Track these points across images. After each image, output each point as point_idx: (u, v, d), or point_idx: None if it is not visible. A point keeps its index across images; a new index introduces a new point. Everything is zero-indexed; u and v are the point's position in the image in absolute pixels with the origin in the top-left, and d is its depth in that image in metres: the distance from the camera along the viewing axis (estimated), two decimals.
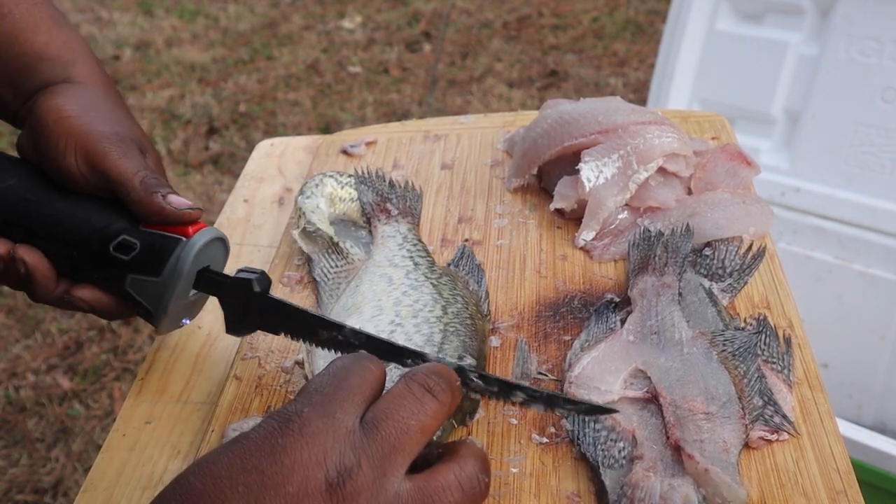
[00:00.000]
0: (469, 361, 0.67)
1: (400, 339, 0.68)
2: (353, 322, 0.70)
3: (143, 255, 0.68)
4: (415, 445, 0.51)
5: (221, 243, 0.72)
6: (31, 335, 2.28)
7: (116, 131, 0.71)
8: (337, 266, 0.82)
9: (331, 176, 0.91)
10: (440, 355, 0.66)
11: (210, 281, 0.69)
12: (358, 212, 0.89)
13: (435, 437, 0.57)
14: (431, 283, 0.76)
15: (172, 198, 0.69)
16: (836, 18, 1.57)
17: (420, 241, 0.84)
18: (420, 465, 0.52)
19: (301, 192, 0.88)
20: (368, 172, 0.92)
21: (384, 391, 0.54)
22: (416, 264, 0.79)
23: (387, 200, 0.89)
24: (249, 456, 0.48)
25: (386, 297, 0.74)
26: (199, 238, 0.68)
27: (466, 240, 0.86)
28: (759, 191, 0.87)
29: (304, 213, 0.85)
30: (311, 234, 0.84)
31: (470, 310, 0.73)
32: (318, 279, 0.81)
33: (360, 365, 0.54)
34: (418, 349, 0.63)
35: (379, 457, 0.49)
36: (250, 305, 0.67)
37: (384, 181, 0.91)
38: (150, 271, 0.68)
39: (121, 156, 0.69)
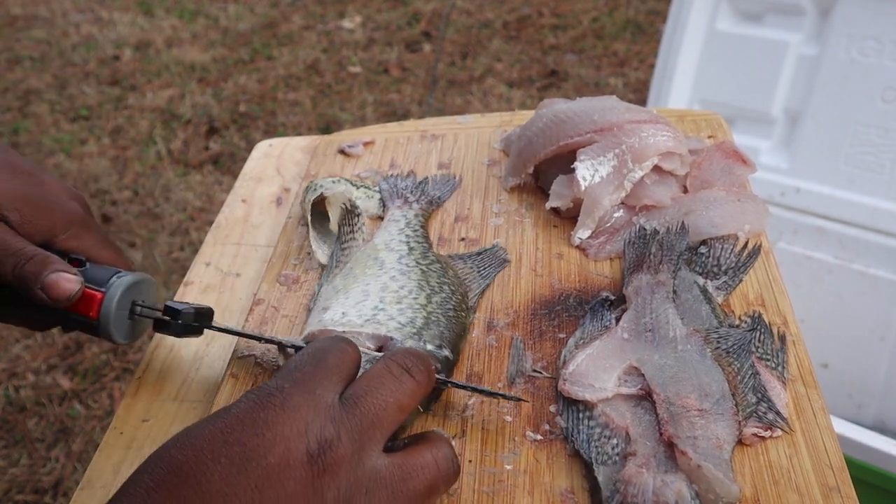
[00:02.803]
0: (445, 353, 0.69)
1: (383, 320, 0.70)
2: (338, 306, 0.72)
3: (72, 324, 0.71)
4: (392, 422, 0.53)
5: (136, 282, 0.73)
6: (31, 335, 2.28)
7: None
8: (345, 242, 0.83)
9: (347, 179, 0.92)
10: (421, 341, 0.68)
11: (142, 314, 0.72)
12: (375, 206, 0.90)
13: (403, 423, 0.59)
14: (421, 270, 0.77)
15: (51, 288, 0.66)
16: (836, 18, 1.57)
17: (423, 227, 0.85)
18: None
19: (314, 181, 0.90)
20: (395, 175, 0.95)
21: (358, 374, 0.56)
22: (410, 249, 0.81)
23: (409, 191, 0.91)
24: (231, 429, 0.48)
25: (374, 282, 0.75)
26: (106, 313, 0.70)
27: (463, 238, 0.86)
28: (758, 191, 0.88)
29: (321, 184, 0.87)
30: (320, 205, 0.85)
31: (455, 300, 0.74)
32: (331, 253, 0.82)
33: (337, 346, 0.56)
34: (401, 326, 0.68)
35: (358, 431, 0.51)
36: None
37: (408, 176, 0.94)
38: (88, 328, 0.71)
39: (5, 233, 0.67)
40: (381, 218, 0.89)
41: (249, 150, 1.18)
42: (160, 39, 3.92)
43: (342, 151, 1.02)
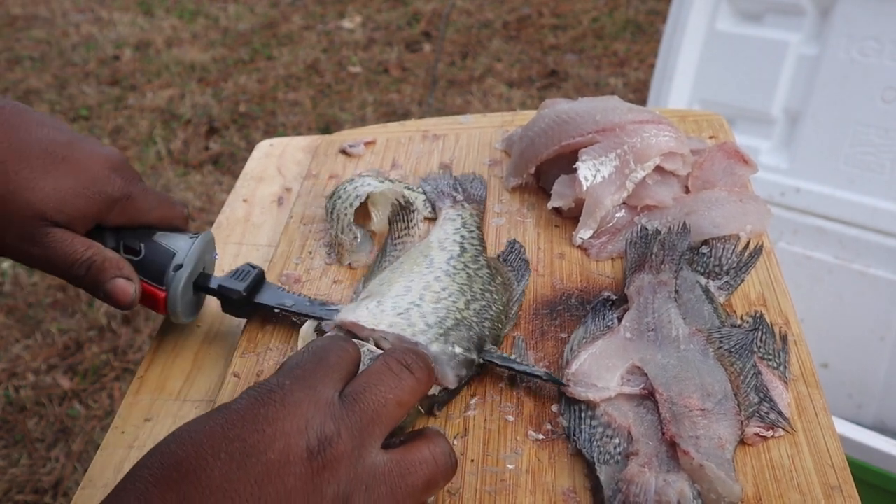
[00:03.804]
0: (473, 356, 0.68)
1: (414, 317, 0.69)
2: (377, 295, 0.72)
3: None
4: (391, 419, 0.53)
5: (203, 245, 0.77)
6: (31, 335, 2.28)
7: (49, 201, 0.68)
8: (397, 238, 0.82)
9: (388, 178, 0.91)
10: (448, 343, 0.67)
11: (205, 288, 0.77)
12: (421, 206, 0.89)
13: (401, 423, 0.59)
14: (468, 273, 0.76)
15: (112, 296, 0.71)
16: (836, 18, 1.57)
17: (478, 228, 0.84)
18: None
19: (354, 179, 0.88)
20: (433, 175, 0.94)
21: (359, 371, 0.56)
22: (462, 250, 0.79)
23: (453, 189, 0.90)
24: (232, 425, 0.49)
25: (418, 279, 0.74)
26: (172, 309, 0.75)
27: None
28: (758, 191, 0.88)
29: (368, 182, 0.86)
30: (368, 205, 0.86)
31: (493, 311, 0.73)
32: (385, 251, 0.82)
33: (337, 345, 0.56)
34: (428, 328, 0.67)
35: (358, 427, 0.51)
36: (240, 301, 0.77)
37: (449, 175, 0.93)
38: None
39: (59, 243, 0.69)
40: (427, 218, 0.88)
41: (249, 150, 1.18)
42: (160, 39, 3.92)
43: (343, 151, 1.02)
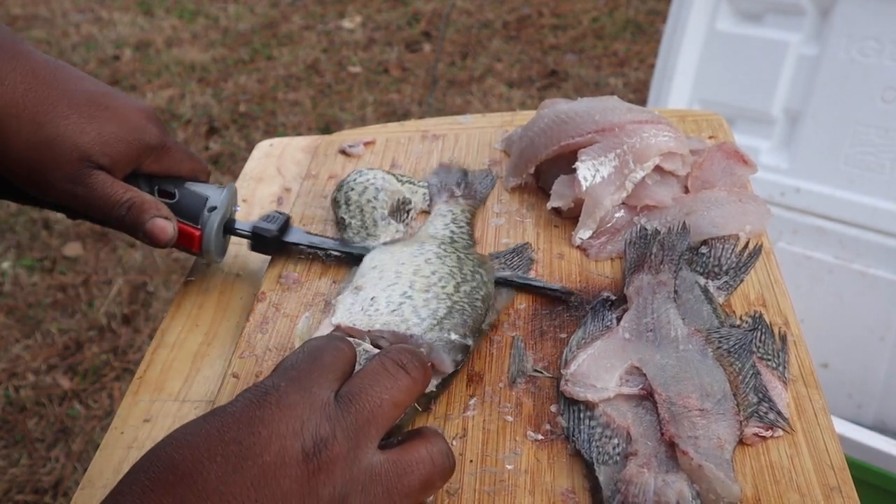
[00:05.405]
0: (469, 342, 0.68)
1: (407, 312, 0.70)
2: (370, 288, 0.74)
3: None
4: (387, 419, 0.53)
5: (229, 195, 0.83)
6: (31, 335, 2.28)
7: (94, 144, 0.74)
8: (393, 234, 0.85)
9: (391, 174, 0.92)
10: (443, 331, 0.68)
11: (233, 230, 0.85)
12: (421, 201, 0.90)
13: (399, 422, 0.59)
14: (458, 257, 0.77)
15: (151, 235, 0.76)
16: (836, 18, 1.57)
17: (468, 223, 0.86)
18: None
19: (361, 173, 0.89)
20: (442, 169, 0.95)
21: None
22: (452, 242, 0.81)
23: (456, 185, 0.91)
24: (227, 428, 0.48)
25: (409, 263, 0.76)
26: (206, 248, 0.81)
27: None
28: (758, 191, 0.88)
29: (375, 177, 0.88)
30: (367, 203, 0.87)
31: (483, 292, 0.74)
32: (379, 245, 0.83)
33: (332, 345, 0.56)
34: (421, 321, 0.68)
35: (353, 428, 0.51)
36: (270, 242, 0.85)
37: (458, 170, 0.94)
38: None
39: (101, 185, 0.74)
40: (426, 213, 0.89)
41: (249, 150, 1.18)
42: (160, 39, 3.92)
43: (343, 151, 1.02)
